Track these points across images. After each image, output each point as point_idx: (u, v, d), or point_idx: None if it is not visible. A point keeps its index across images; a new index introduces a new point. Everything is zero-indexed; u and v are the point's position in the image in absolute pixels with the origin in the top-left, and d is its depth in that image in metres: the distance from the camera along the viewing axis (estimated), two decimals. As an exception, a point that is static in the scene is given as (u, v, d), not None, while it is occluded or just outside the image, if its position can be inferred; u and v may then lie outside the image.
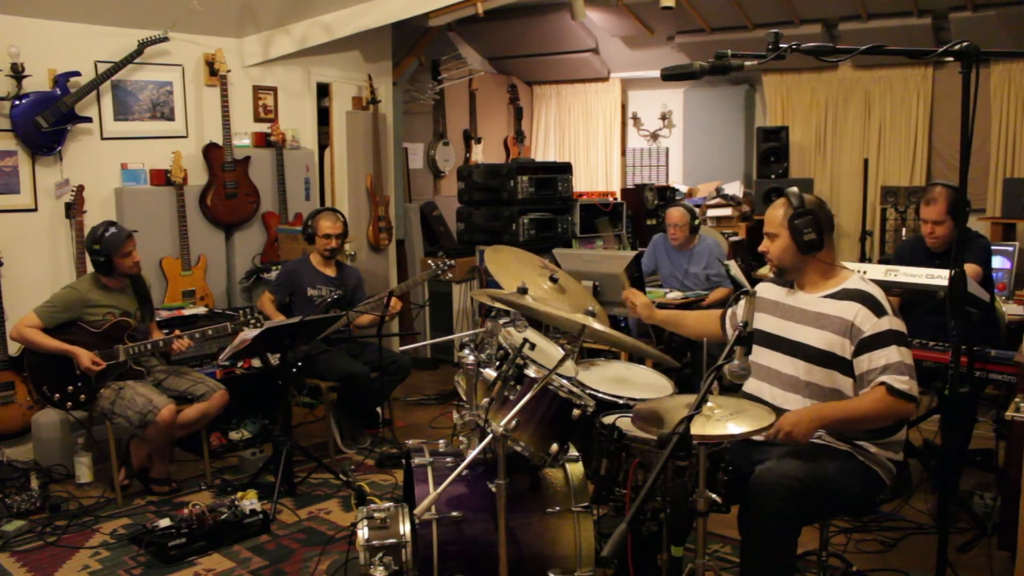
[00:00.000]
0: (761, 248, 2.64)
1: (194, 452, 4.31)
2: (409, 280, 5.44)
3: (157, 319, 4.29)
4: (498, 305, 3.03)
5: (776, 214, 2.56)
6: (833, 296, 2.52)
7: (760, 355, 2.62)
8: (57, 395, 3.81)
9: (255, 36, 5.43)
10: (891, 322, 2.42)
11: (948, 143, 6.43)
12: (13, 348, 4.25)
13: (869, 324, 2.41)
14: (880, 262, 5.67)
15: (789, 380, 2.56)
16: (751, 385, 2.64)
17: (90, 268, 4.41)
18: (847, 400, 2.46)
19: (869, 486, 2.48)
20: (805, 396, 2.51)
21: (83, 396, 3.83)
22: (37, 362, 3.81)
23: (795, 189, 2.60)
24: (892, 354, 2.38)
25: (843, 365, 2.46)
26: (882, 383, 2.36)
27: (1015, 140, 6.07)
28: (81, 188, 4.51)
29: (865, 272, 2.83)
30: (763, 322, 2.65)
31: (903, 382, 2.36)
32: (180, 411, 3.86)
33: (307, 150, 5.77)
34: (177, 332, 3.97)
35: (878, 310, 2.43)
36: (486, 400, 2.44)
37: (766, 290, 2.73)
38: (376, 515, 2.61)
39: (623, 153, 8.34)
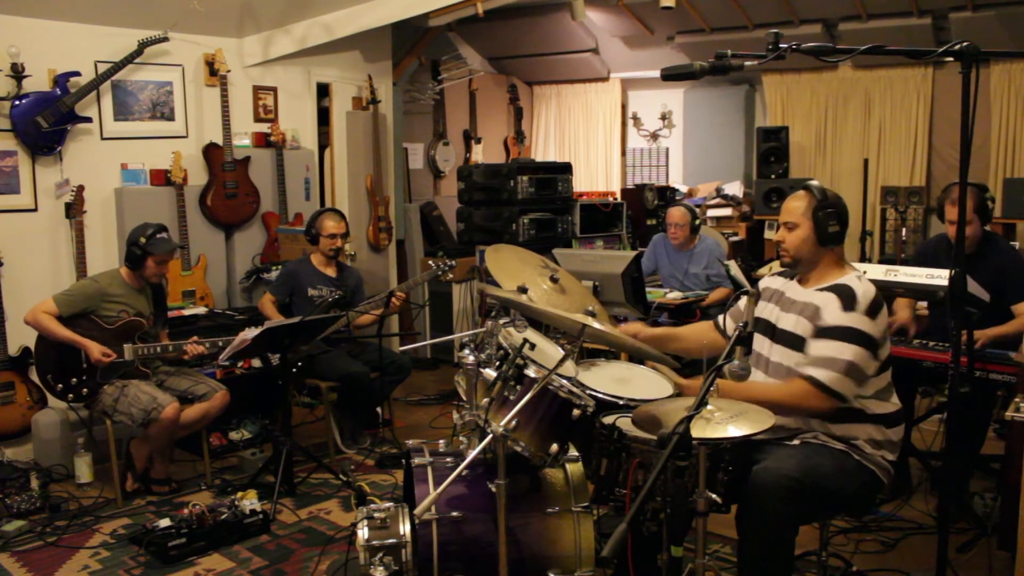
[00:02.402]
0: (777, 237, 2.64)
1: (194, 452, 4.31)
2: (410, 280, 5.44)
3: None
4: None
5: (798, 205, 2.57)
6: (824, 289, 2.54)
7: (756, 342, 2.67)
8: (60, 385, 3.82)
9: (255, 36, 5.43)
10: (858, 320, 2.41)
11: (948, 143, 6.42)
12: (13, 348, 4.26)
13: (833, 315, 2.43)
14: (884, 261, 5.67)
15: (775, 367, 2.59)
16: None
17: (91, 269, 4.43)
18: (768, 384, 2.53)
19: (866, 485, 2.49)
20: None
21: (85, 390, 3.83)
22: (45, 350, 3.82)
23: (816, 182, 2.62)
24: (838, 349, 2.38)
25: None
26: (807, 375, 2.40)
27: (1015, 140, 6.07)
28: (81, 188, 4.52)
29: (865, 272, 2.83)
30: (765, 311, 2.68)
31: (830, 377, 2.37)
32: (182, 410, 3.86)
33: (307, 150, 5.77)
34: (195, 339, 3.97)
35: (849, 304, 2.43)
36: (486, 400, 2.44)
37: (772, 281, 2.78)
38: (376, 515, 2.60)
39: (623, 153, 8.34)
